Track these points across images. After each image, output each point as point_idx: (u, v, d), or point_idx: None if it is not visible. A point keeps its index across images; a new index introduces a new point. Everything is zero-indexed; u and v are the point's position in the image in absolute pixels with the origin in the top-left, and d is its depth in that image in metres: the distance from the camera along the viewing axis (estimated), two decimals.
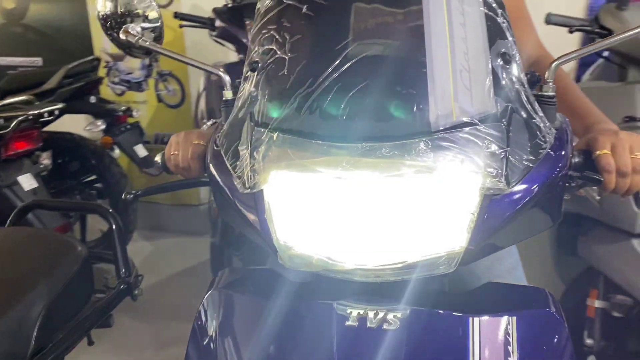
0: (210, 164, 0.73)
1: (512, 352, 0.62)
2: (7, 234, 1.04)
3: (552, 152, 0.65)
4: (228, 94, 0.78)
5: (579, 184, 0.74)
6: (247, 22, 2.40)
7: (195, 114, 2.53)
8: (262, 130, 0.65)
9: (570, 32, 1.81)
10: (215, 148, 0.73)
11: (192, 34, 2.94)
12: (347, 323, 0.63)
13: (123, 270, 1.03)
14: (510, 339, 0.62)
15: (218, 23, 2.45)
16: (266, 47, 0.70)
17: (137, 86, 3.06)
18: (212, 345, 0.69)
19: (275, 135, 0.64)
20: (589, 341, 1.69)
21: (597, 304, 1.70)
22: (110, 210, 1.06)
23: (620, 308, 1.73)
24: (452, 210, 0.59)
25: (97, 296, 1.01)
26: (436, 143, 0.58)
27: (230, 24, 2.42)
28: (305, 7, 0.68)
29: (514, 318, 0.63)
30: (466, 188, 0.59)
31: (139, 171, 2.58)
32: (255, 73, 0.71)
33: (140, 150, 2.52)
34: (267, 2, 0.73)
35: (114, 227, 1.04)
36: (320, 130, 0.62)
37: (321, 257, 0.61)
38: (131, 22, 0.85)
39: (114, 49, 3.13)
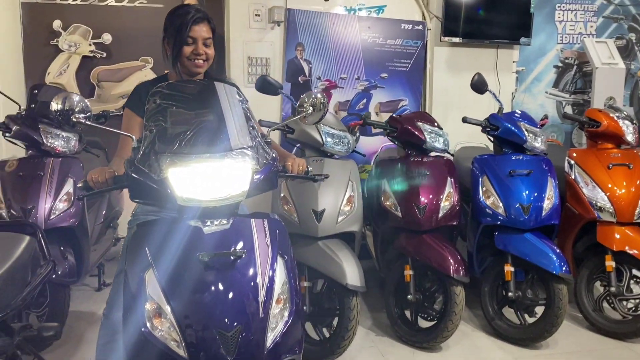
0: (133, 173, 1.60)
1: (266, 232, 1.64)
2: None
3: (271, 161, 1.74)
4: (134, 144, 1.67)
5: (281, 175, 1.85)
6: (40, 126, 3.09)
7: None
8: (162, 154, 1.58)
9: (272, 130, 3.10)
10: (135, 165, 1.60)
11: None
12: (206, 230, 1.57)
13: (48, 256, 1.69)
14: (266, 227, 1.65)
15: (14, 126, 3.07)
16: (156, 123, 1.64)
17: None
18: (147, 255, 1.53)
19: (170, 156, 1.58)
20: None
21: (306, 284, 2.84)
22: (31, 222, 1.71)
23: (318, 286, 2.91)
24: (243, 177, 1.60)
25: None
26: (234, 153, 1.61)
27: (25, 127, 3.07)
28: (173, 107, 1.67)
29: (266, 220, 1.67)
30: (246, 170, 1.62)
31: None
32: (151, 133, 1.63)
33: None
34: (153, 105, 1.69)
35: (38, 232, 1.69)
36: (188, 152, 1.58)
37: (195, 197, 1.55)
38: (72, 113, 1.68)
39: None
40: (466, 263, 2.97)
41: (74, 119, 1.68)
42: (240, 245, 1.56)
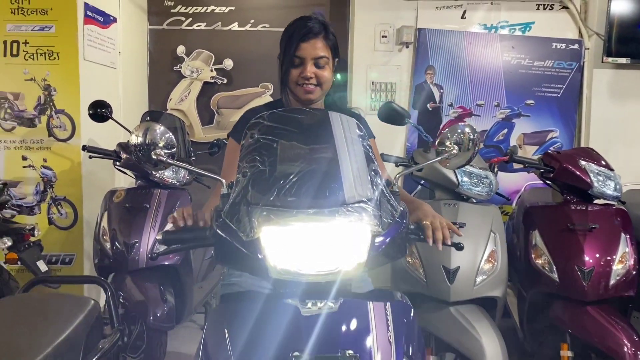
0: (218, 229, 1.22)
1: (389, 323, 1.18)
2: (24, 300, 1.34)
3: (399, 219, 1.28)
4: (224, 190, 1.31)
5: (412, 238, 1.38)
6: None
7: (97, 232, 2.85)
8: (255, 207, 1.19)
9: (396, 165, 2.65)
10: (220, 220, 1.23)
11: (87, 165, 3.33)
12: (305, 312, 1.14)
13: (116, 323, 1.39)
14: (388, 313, 1.19)
15: (123, 155, 2.92)
16: (252, 164, 1.26)
17: (29, 210, 3.28)
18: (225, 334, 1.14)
19: (263, 209, 1.18)
20: None
21: (432, 359, 2.32)
22: (103, 279, 1.43)
23: None
24: (359, 242, 1.17)
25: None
26: (349, 209, 1.17)
27: None
28: (274, 144, 1.28)
29: (389, 303, 1.20)
30: (364, 233, 1.18)
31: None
32: (245, 177, 1.25)
33: (42, 265, 2.73)
34: (250, 141, 1.31)
35: (109, 292, 1.40)
36: (288, 206, 1.18)
37: (294, 269, 1.13)
38: (154, 149, 1.35)
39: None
40: None
41: (154, 156, 1.35)
42: (351, 340, 1.11)
